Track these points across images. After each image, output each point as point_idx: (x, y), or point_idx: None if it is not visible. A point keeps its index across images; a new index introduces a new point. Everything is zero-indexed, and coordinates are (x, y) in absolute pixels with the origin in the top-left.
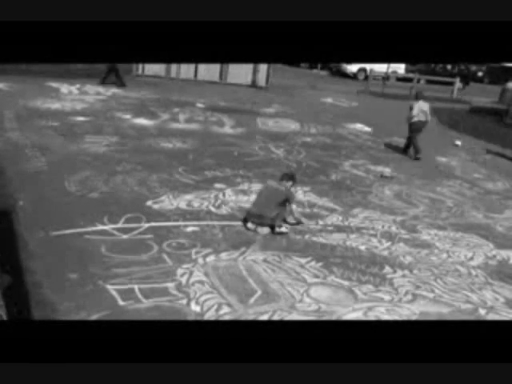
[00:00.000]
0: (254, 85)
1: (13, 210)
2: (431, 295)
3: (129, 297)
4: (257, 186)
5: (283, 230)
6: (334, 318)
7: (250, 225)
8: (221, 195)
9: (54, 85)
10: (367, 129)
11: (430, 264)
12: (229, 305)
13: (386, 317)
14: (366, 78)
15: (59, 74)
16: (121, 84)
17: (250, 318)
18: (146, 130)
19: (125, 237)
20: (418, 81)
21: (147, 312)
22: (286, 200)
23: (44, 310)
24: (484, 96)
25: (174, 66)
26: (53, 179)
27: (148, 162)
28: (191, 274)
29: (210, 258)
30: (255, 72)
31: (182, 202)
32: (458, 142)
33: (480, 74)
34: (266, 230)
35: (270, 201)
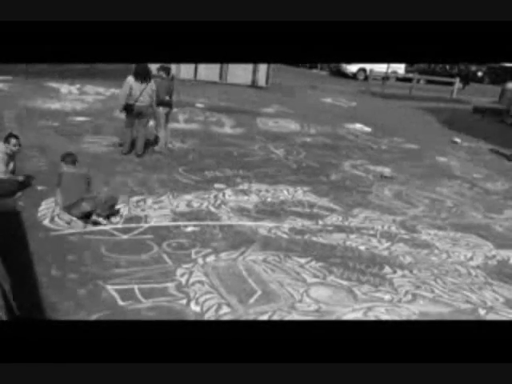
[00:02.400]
0: (254, 85)
1: (13, 210)
2: (431, 295)
3: (129, 297)
4: (257, 186)
5: (100, 220)
6: (333, 318)
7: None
8: (220, 195)
9: (54, 85)
10: (367, 129)
11: (429, 264)
12: (228, 305)
13: (385, 317)
14: (366, 78)
15: (59, 73)
16: None
17: (250, 318)
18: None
19: (125, 237)
20: (418, 81)
21: (147, 312)
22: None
23: (44, 310)
24: (484, 96)
25: (173, 66)
26: (53, 179)
27: (148, 162)
28: (191, 274)
29: (210, 258)
30: (255, 72)
31: (181, 202)
32: (458, 140)
33: (480, 74)
34: (80, 224)
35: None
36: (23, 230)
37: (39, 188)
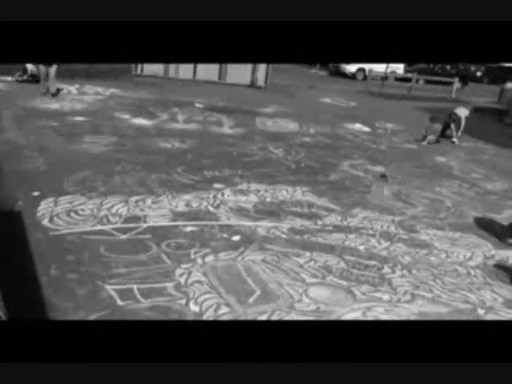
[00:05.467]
0: (253, 85)
1: (12, 210)
2: (430, 295)
3: (128, 297)
4: (256, 186)
5: None
6: (332, 318)
7: None
8: (219, 195)
9: None
10: (366, 129)
11: (428, 264)
12: (227, 305)
13: (384, 317)
14: (365, 78)
15: (59, 74)
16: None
17: (249, 318)
18: (144, 130)
19: (124, 237)
20: (417, 81)
21: (146, 312)
22: None
23: (44, 310)
24: (483, 96)
25: (172, 66)
26: (52, 179)
27: (147, 162)
28: (190, 274)
29: (209, 258)
30: (254, 72)
31: (180, 201)
32: (455, 139)
33: (479, 74)
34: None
35: None
36: (23, 230)
37: (36, 190)
